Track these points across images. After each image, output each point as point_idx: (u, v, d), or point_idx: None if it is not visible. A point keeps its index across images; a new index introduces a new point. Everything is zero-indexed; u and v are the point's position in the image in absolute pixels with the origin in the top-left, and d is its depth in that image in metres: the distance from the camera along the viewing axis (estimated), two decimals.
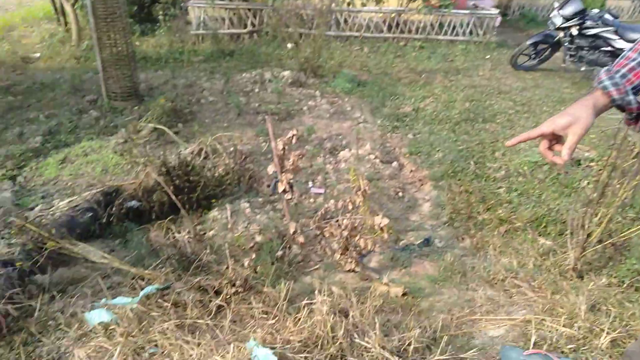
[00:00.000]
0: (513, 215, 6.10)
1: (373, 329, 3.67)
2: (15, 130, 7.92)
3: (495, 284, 5.07)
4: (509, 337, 3.92)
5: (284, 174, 5.53)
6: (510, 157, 7.47)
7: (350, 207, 5.03)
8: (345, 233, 4.89)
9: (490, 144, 8.01)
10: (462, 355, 3.38)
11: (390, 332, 3.77)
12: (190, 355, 3.14)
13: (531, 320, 3.89)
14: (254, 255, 4.60)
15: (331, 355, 3.20)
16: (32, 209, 5.82)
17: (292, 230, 5.03)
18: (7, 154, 7.14)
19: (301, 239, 5.14)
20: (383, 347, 3.29)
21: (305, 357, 3.14)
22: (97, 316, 3.50)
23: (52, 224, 4.92)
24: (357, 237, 5.04)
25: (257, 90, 10.04)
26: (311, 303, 4.10)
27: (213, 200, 6.39)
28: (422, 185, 7.15)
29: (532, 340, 3.58)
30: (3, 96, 9.27)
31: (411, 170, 7.42)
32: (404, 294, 4.75)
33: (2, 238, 4.43)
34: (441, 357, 3.29)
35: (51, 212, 5.39)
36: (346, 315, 3.96)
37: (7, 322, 3.54)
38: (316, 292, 3.87)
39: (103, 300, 3.78)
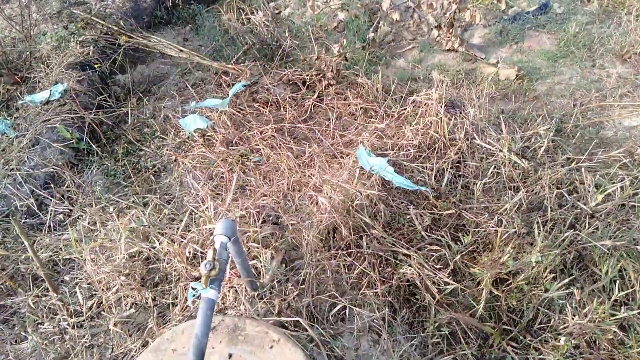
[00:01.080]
0: None
1: (494, 127, 3.25)
2: None
3: (629, 58, 4.25)
4: None
5: None
6: None
7: None
8: (454, 6, 4.03)
9: None
10: (602, 157, 2.94)
11: (507, 126, 3.33)
12: (298, 166, 2.94)
13: None
14: (344, 41, 3.98)
15: (452, 162, 2.88)
16: None
17: (385, 6, 4.23)
18: None
19: (396, 16, 4.36)
20: (509, 150, 2.90)
21: (422, 166, 2.85)
22: (191, 122, 3.28)
23: (117, 13, 4.41)
24: (464, 10, 4.19)
25: None
26: (412, 95, 3.66)
27: None
28: None
29: None
30: None
31: None
32: (517, 77, 4.12)
33: (72, 34, 4.03)
34: (586, 164, 2.86)
35: None
36: (453, 107, 3.52)
37: (103, 130, 3.44)
38: (422, 88, 3.36)
39: (193, 103, 3.52)
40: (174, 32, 4.89)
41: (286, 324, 2.01)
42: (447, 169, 2.80)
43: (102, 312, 2.29)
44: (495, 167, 2.84)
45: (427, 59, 4.53)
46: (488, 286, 2.16)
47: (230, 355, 1.78)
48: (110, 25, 4.12)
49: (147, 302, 2.23)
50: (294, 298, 2.09)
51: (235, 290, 2.09)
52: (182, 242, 2.25)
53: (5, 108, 3.68)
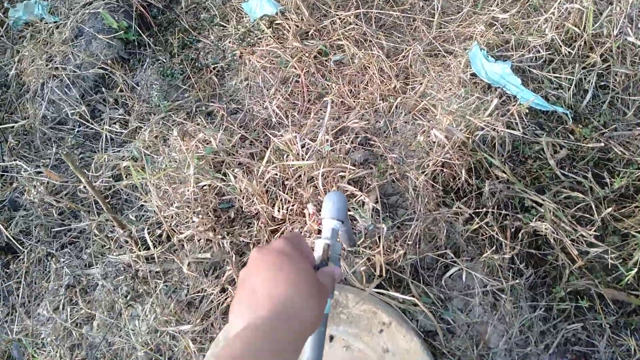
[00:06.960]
0: None
1: None
2: None
3: None
4: None
5: None
6: None
7: None
8: None
9: None
10: None
11: None
12: (391, 69, 2.36)
13: None
14: None
15: (590, 65, 2.21)
16: None
17: None
18: None
19: None
20: None
21: (556, 76, 2.20)
22: (257, 7, 2.66)
23: None
24: None
25: None
26: None
27: None
28: None
29: None
30: None
31: None
32: None
33: None
34: None
35: None
36: None
37: (153, 14, 2.89)
38: None
39: None
40: None
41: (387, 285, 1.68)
42: (591, 81, 2.15)
43: (173, 250, 2.04)
44: None
45: None
46: None
47: (331, 338, 1.49)
48: None
49: (223, 243, 1.94)
50: (398, 255, 1.72)
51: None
52: (260, 180, 1.87)
53: None
